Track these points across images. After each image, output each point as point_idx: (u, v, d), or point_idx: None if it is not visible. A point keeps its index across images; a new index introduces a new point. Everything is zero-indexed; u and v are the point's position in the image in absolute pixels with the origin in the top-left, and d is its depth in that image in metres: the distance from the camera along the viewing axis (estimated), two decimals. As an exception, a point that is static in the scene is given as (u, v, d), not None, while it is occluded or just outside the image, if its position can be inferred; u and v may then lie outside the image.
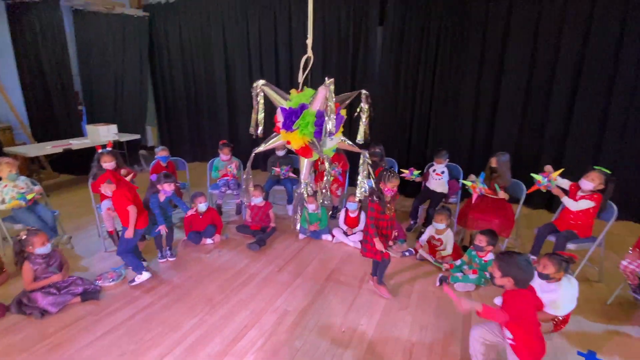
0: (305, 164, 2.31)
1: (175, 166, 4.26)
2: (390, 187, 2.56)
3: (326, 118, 2.03)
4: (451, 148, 4.65)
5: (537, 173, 3.05)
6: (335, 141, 2.24)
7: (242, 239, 3.71)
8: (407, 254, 3.38)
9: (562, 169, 2.98)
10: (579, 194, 2.88)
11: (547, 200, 4.50)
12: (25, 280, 2.53)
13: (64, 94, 5.71)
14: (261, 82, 2.21)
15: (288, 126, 2.16)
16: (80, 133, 5.90)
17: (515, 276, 1.77)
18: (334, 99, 2.02)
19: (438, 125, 4.82)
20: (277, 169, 4.24)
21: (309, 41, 2.24)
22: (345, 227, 3.67)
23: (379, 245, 2.58)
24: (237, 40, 5.92)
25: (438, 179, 3.85)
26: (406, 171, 3.77)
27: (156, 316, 2.51)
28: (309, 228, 3.67)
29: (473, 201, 3.33)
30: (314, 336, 2.33)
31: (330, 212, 4.22)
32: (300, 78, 2.35)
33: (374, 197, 2.58)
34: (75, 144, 5.07)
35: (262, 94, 2.22)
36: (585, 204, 2.79)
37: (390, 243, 3.41)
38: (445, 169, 3.86)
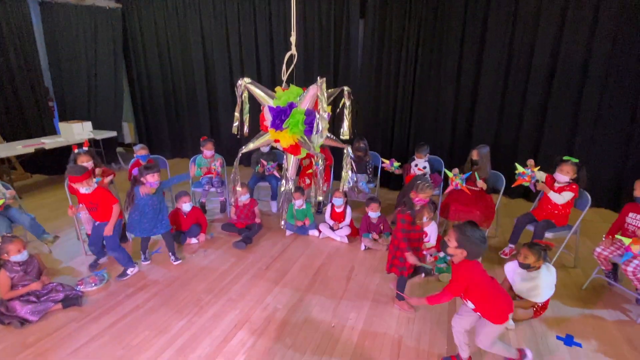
0: (292, 161, 2.31)
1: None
2: (422, 197, 2.41)
3: (317, 117, 2.03)
4: (432, 141, 4.74)
5: (515, 164, 3.15)
6: (323, 138, 2.24)
7: (227, 237, 3.67)
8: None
9: (542, 173, 3.07)
10: (556, 185, 2.99)
11: (525, 190, 4.65)
12: (2, 289, 2.43)
13: (33, 90, 5.46)
14: (246, 80, 2.18)
15: (277, 125, 2.15)
16: (52, 131, 5.66)
17: (470, 249, 1.77)
18: (326, 98, 2.02)
19: (420, 119, 4.89)
20: (262, 166, 4.21)
21: (293, 38, 2.22)
22: (331, 222, 3.68)
23: (412, 259, 2.37)
24: (216, 34, 5.77)
25: (420, 174, 3.91)
26: (387, 161, 3.81)
27: (143, 320, 2.47)
28: (296, 224, 3.67)
29: (447, 191, 3.41)
30: (304, 333, 2.35)
31: (316, 208, 4.23)
32: (284, 75, 2.33)
33: (404, 208, 2.39)
34: (49, 143, 4.86)
35: (247, 92, 2.19)
36: (569, 195, 2.90)
37: (376, 237, 3.48)
38: (427, 164, 3.93)
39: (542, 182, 3.05)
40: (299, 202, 3.62)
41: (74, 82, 6.00)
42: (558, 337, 2.32)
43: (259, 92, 2.24)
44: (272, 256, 3.32)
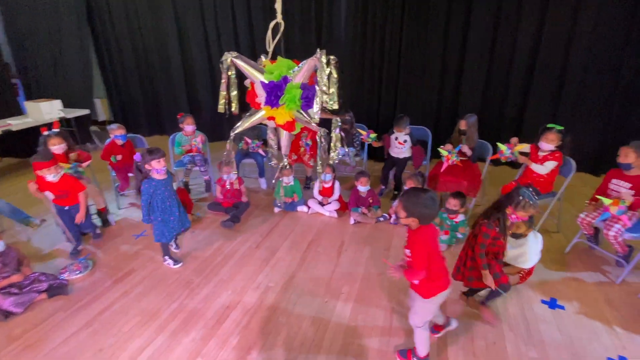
0: (285, 136, 2.21)
1: (133, 145, 3.96)
2: (521, 215, 2.08)
3: (318, 91, 1.94)
4: (419, 112, 4.69)
5: (500, 134, 3.14)
6: (318, 111, 2.13)
7: (214, 217, 3.60)
8: (381, 219, 3.45)
9: (526, 144, 3.06)
10: (540, 154, 3.01)
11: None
12: (-20, 283, 2.33)
13: (-7, 67, 5.04)
14: (232, 54, 2.02)
15: (273, 102, 2.01)
16: (18, 111, 5.31)
17: (420, 215, 1.67)
18: (326, 71, 1.89)
19: (406, 90, 4.79)
20: (246, 143, 4.08)
21: (278, 5, 2.05)
22: (320, 198, 3.65)
23: (489, 282, 2.09)
24: (189, 2, 5.38)
25: (400, 147, 3.82)
26: (364, 132, 3.73)
27: (133, 306, 2.43)
28: (283, 199, 3.62)
29: (442, 169, 3.39)
30: (298, 309, 2.36)
31: (304, 183, 4.18)
32: (270, 46, 2.17)
33: (490, 222, 2.04)
34: (16, 124, 4.56)
35: (234, 68, 2.04)
36: (552, 165, 2.92)
37: (365, 211, 3.47)
38: (407, 137, 3.81)
39: (526, 153, 3.06)
40: (287, 179, 3.56)
41: (38, 58, 5.56)
42: (543, 301, 2.42)
43: (247, 67, 2.09)
44: (262, 234, 3.29)
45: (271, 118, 2.16)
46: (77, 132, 5.47)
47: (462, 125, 3.42)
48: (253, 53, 5.33)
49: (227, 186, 3.55)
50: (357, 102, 4.92)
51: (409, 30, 4.49)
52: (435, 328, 2.15)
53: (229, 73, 2.11)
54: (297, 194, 3.66)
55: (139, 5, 5.63)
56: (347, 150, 4.09)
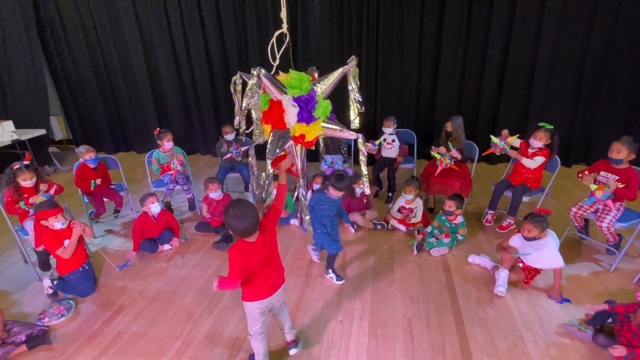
0: (303, 154, 2.07)
1: (106, 166, 3.64)
2: None
3: (352, 99, 1.86)
4: (399, 115, 4.72)
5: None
6: (356, 118, 2.06)
7: (204, 238, 3.39)
8: (379, 227, 3.41)
9: (517, 135, 3.15)
10: (529, 151, 3.12)
11: (487, 156, 4.88)
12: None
13: None
14: (261, 70, 1.84)
15: (307, 118, 1.87)
16: (-38, 135, 4.72)
17: (230, 227, 1.61)
18: (357, 80, 1.82)
19: (385, 94, 4.84)
20: (229, 153, 3.88)
21: (284, 14, 1.92)
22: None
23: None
24: (152, 10, 5.07)
25: (390, 147, 3.86)
26: (369, 144, 3.69)
27: (130, 348, 2.19)
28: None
29: (437, 173, 3.42)
30: (314, 333, 2.25)
31: (295, 196, 4.06)
32: (276, 59, 2.04)
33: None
34: (-39, 151, 4.05)
35: (258, 85, 1.89)
36: (541, 160, 3.03)
37: (360, 217, 3.42)
38: (395, 136, 3.86)
39: (516, 148, 3.16)
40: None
41: (-20, 75, 5.00)
42: (549, 296, 2.48)
43: (271, 86, 1.92)
44: (259, 253, 3.13)
45: (300, 136, 2.00)
46: (33, 154, 4.98)
47: (449, 127, 3.47)
48: (226, 68, 5.14)
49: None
50: (337, 109, 4.87)
51: (385, 35, 4.53)
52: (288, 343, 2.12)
53: (253, 96, 1.95)
54: (288, 206, 3.54)
55: (96, 15, 5.23)
56: (333, 157, 4.05)
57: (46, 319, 2.41)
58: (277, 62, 2.04)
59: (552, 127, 3.03)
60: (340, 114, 2.27)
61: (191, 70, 5.29)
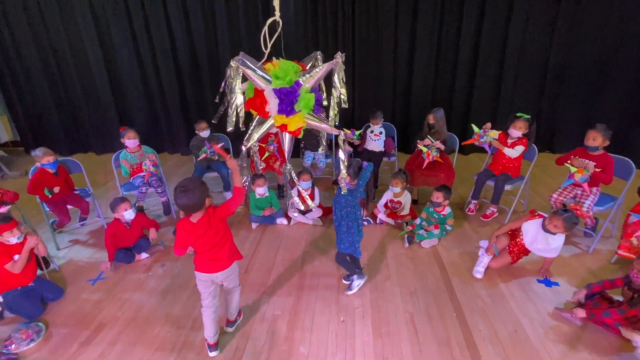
0: (287, 141, 1.98)
1: (67, 171, 3.29)
2: None
3: (335, 94, 1.76)
4: (375, 107, 4.73)
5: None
6: (337, 114, 1.98)
7: (184, 243, 3.17)
8: (365, 223, 3.38)
9: (500, 131, 3.23)
10: (509, 141, 3.21)
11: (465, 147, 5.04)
12: None
13: None
14: (237, 59, 1.71)
15: (288, 110, 1.77)
16: None
17: (180, 206, 1.75)
18: (343, 75, 1.73)
19: (363, 87, 4.81)
20: (204, 153, 3.66)
21: (276, 1, 1.80)
22: (301, 206, 3.44)
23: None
24: (109, 1, 4.65)
25: (376, 139, 3.86)
26: (348, 131, 3.63)
27: (117, 371, 1.99)
28: (263, 213, 3.33)
29: (424, 166, 3.44)
30: (316, 336, 2.16)
31: (278, 192, 3.93)
32: (268, 47, 1.91)
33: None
34: None
35: (240, 75, 1.75)
36: (521, 149, 3.12)
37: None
38: (382, 129, 3.89)
39: (495, 139, 3.24)
40: (260, 190, 3.27)
41: None
42: (538, 280, 2.57)
43: (254, 74, 1.80)
44: (247, 256, 2.98)
45: (282, 126, 1.93)
46: (-25, 160, 4.43)
47: (431, 119, 3.50)
48: (192, 56, 4.85)
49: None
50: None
51: (361, 25, 4.49)
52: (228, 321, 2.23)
53: (235, 85, 1.83)
54: (273, 205, 3.40)
55: (45, 9, 4.71)
56: (314, 154, 3.96)
57: (13, 345, 2.12)
58: (269, 49, 1.92)
59: (529, 116, 3.14)
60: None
61: (155, 64, 4.94)
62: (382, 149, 3.89)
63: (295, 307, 2.40)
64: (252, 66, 1.80)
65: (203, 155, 3.67)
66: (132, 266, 2.89)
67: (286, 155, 2.11)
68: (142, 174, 3.42)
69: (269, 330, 2.22)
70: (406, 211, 3.30)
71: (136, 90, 5.13)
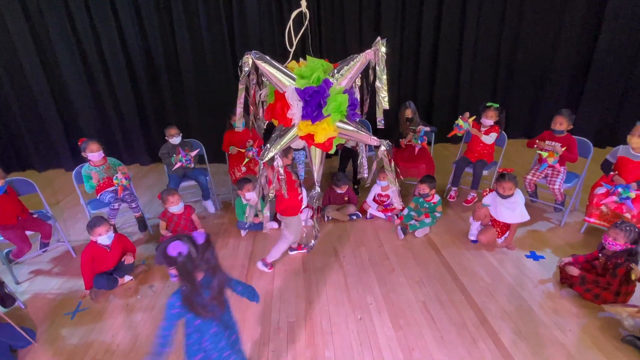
0: (318, 158, 1.77)
1: (16, 192, 2.86)
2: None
3: (379, 93, 1.56)
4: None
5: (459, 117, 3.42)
6: (381, 119, 1.73)
7: (170, 259, 2.92)
8: (354, 217, 3.39)
9: (474, 116, 3.42)
10: (482, 129, 3.42)
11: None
12: None
13: None
14: (256, 54, 1.50)
15: (316, 115, 1.54)
16: None
17: None
18: (384, 66, 1.52)
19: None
20: (178, 162, 3.40)
21: None
22: (289, 209, 3.35)
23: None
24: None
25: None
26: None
27: (129, 409, 1.77)
28: (252, 220, 3.18)
29: (416, 153, 3.62)
30: (339, 337, 2.12)
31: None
32: (293, 43, 1.73)
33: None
34: None
35: (255, 72, 1.56)
36: (494, 136, 3.34)
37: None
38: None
39: (473, 128, 3.44)
40: (250, 195, 3.13)
41: None
42: (527, 256, 2.77)
43: (274, 72, 1.58)
44: (243, 265, 2.83)
45: (308, 136, 1.69)
46: None
47: (409, 113, 3.61)
48: (147, 57, 4.49)
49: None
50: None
51: (327, 27, 4.49)
52: None
53: (250, 78, 1.62)
54: (261, 209, 3.26)
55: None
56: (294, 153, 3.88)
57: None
58: (294, 44, 1.76)
59: (498, 105, 3.37)
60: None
61: (105, 67, 4.49)
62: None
63: (309, 312, 2.33)
64: (272, 61, 1.61)
65: (178, 164, 3.41)
66: (115, 292, 2.60)
67: (315, 177, 1.84)
68: (111, 189, 3.08)
69: (288, 339, 2.13)
70: (397, 204, 3.36)
71: (82, 98, 4.61)
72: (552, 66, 4.83)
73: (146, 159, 5.06)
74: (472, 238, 2.98)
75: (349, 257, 2.85)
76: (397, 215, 3.32)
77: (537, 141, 3.11)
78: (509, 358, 1.93)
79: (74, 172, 3.11)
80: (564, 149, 2.96)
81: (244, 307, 2.39)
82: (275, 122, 1.83)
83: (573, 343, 2.00)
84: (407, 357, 1.97)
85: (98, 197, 3.12)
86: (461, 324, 2.18)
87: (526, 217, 2.73)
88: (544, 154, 3.02)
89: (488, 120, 3.35)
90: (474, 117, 3.40)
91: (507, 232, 2.87)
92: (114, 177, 3.03)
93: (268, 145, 1.70)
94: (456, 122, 3.36)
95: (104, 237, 2.52)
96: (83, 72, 4.49)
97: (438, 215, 3.20)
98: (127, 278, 2.68)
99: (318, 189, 1.90)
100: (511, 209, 2.71)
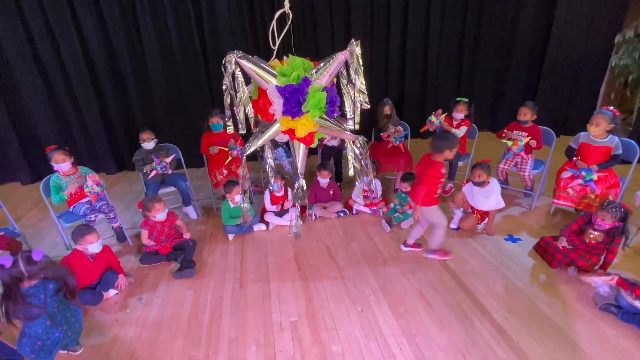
0: (302, 152, 1.85)
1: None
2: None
3: (353, 89, 1.66)
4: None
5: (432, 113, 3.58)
6: (357, 116, 1.83)
7: (156, 271, 2.80)
8: (341, 214, 3.44)
9: (446, 113, 3.59)
10: (454, 122, 3.61)
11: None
12: None
13: None
14: (238, 53, 1.52)
15: (295, 111, 1.61)
16: None
17: None
18: (361, 65, 1.61)
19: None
20: (152, 169, 3.25)
21: None
22: (275, 208, 3.33)
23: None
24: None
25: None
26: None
27: None
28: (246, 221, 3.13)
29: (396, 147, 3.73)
30: (343, 331, 2.15)
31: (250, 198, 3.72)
32: (276, 43, 1.75)
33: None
34: None
35: (238, 70, 1.58)
36: (464, 129, 3.54)
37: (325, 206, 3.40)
38: None
39: (443, 123, 3.61)
40: (238, 198, 3.07)
41: None
42: (505, 239, 2.97)
43: (257, 70, 1.62)
44: (235, 269, 2.78)
45: (290, 131, 1.77)
46: None
47: (387, 110, 3.72)
48: (110, 57, 4.26)
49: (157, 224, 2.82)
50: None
51: (298, 27, 4.51)
52: None
53: (238, 78, 1.64)
54: (249, 212, 3.22)
55: None
56: (275, 152, 3.87)
57: None
58: (277, 44, 1.80)
59: (467, 99, 3.57)
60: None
61: (63, 70, 4.19)
62: (338, 144, 3.97)
63: (310, 309, 2.34)
64: (254, 60, 1.65)
65: (154, 173, 3.25)
66: (100, 307, 2.45)
67: (299, 169, 1.94)
68: (85, 199, 2.90)
69: (293, 338, 2.12)
70: (379, 198, 3.46)
71: (38, 101, 4.25)
72: (510, 65, 5.19)
73: (113, 168, 4.79)
74: (454, 226, 3.13)
75: (341, 253, 2.89)
76: (381, 208, 3.42)
77: (505, 131, 3.34)
78: (503, 333, 2.07)
79: (42, 183, 2.88)
80: (529, 138, 3.21)
81: (242, 311, 2.35)
82: (260, 117, 1.89)
83: (558, 314, 2.18)
84: (411, 342, 2.05)
85: (71, 210, 2.92)
86: (456, 306, 2.29)
87: (501, 204, 2.93)
88: (509, 143, 3.25)
89: (459, 114, 3.54)
90: (446, 114, 3.57)
91: (487, 219, 3.05)
92: (85, 186, 2.84)
93: (251, 138, 1.75)
94: (429, 118, 3.52)
95: (96, 245, 2.38)
96: (38, 77, 4.16)
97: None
98: (112, 292, 2.54)
99: (302, 181, 1.99)
100: (486, 196, 2.90)
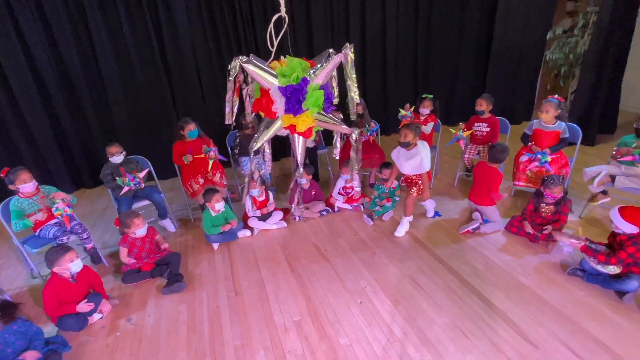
0: (301, 144, 1.90)
1: None
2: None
3: (350, 90, 1.75)
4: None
5: (399, 109, 3.76)
6: (354, 111, 1.98)
7: (140, 289, 2.67)
8: (324, 213, 3.50)
9: (414, 106, 3.79)
10: (421, 118, 3.83)
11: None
12: None
13: None
14: (243, 58, 1.52)
15: (295, 109, 1.66)
16: None
17: None
18: (353, 67, 1.70)
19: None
20: (126, 186, 3.07)
21: None
22: (257, 213, 3.31)
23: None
24: None
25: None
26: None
27: None
28: (222, 229, 3.07)
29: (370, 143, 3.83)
30: (347, 323, 2.22)
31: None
32: (274, 45, 1.75)
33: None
34: None
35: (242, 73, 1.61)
36: (431, 125, 3.77)
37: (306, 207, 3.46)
38: None
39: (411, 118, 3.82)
40: (219, 205, 3.01)
41: None
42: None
43: (259, 72, 1.63)
44: (227, 278, 2.73)
45: (291, 127, 1.83)
46: None
47: (360, 109, 3.85)
48: (58, 65, 3.96)
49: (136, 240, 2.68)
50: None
51: (262, 31, 4.50)
52: None
53: (241, 80, 1.66)
54: (229, 219, 3.17)
55: None
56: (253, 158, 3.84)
57: None
58: (275, 46, 1.83)
59: (432, 95, 3.82)
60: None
61: (6, 85, 3.81)
62: (312, 145, 4.04)
63: (311, 307, 2.37)
64: (257, 63, 1.69)
65: (126, 189, 3.07)
66: (86, 332, 2.29)
67: (299, 160, 2.02)
68: (53, 221, 2.68)
69: (299, 337, 2.15)
70: (358, 191, 3.56)
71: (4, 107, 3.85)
72: (459, 65, 5.61)
73: (69, 187, 4.44)
74: (398, 234, 3.09)
75: (330, 250, 2.96)
76: (362, 204, 3.53)
77: (460, 124, 3.64)
78: (492, 306, 2.26)
79: (0, 207, 2.62)
80: (463, 125, 3.57)
81: (242, 318, 2.33)
82: (262, 114, 1.95)
83: (535, 283, 2.42)
84: (412, 325, 2.16)
85: (37, 234, 2.68)
86: (446, 287, 2.46)
87: (426, 167, 2.81)
88: (453, 130, 3.56)
89: (425, 110, 3.77)
90: (413, 107, 3.79)
91: (417, 182, 3.02)
92: (53, 208, 2.62)
93: (256, 135, 1.79)
94: (400, 113, 3.71)
95: (77, 262, 2.23)
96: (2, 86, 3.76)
97: (397, 198, 3.49)
98: (97, 316, 2.38)
99: (301, 170, 2.07)
100: (410, 158, 2.82)
